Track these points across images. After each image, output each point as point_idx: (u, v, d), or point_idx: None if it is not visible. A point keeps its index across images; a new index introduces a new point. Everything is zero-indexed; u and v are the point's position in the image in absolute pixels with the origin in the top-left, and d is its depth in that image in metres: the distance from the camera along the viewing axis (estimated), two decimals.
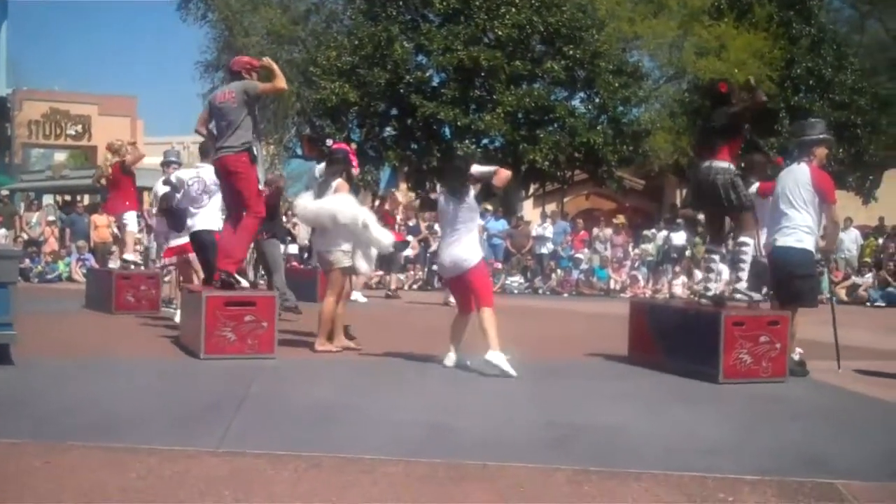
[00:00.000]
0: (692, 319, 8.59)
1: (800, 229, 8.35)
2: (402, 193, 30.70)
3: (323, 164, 9.82)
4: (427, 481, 4.70)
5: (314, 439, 5.46)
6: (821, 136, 8.71)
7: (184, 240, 11.85)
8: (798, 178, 8.47)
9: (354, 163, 10.00)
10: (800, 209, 8.37)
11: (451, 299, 16.18)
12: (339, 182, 9.44)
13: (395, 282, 19.49)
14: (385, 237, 9.51)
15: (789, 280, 8.45)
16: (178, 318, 11.68)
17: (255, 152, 8.97)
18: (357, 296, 17.07)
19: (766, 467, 5.09)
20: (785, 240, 8.41)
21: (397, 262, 18.21)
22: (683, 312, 9.18)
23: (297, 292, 13.70)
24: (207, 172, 10.85)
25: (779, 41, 29.63)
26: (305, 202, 9.58)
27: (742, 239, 8.58)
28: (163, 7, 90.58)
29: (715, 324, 7.99)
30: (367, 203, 17.62)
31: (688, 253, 22.90)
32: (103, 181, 14.00)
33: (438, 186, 8.75)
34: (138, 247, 14.88)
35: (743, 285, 8.61)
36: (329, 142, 10.26)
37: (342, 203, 9.21)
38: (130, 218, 13.94)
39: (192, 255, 11.72)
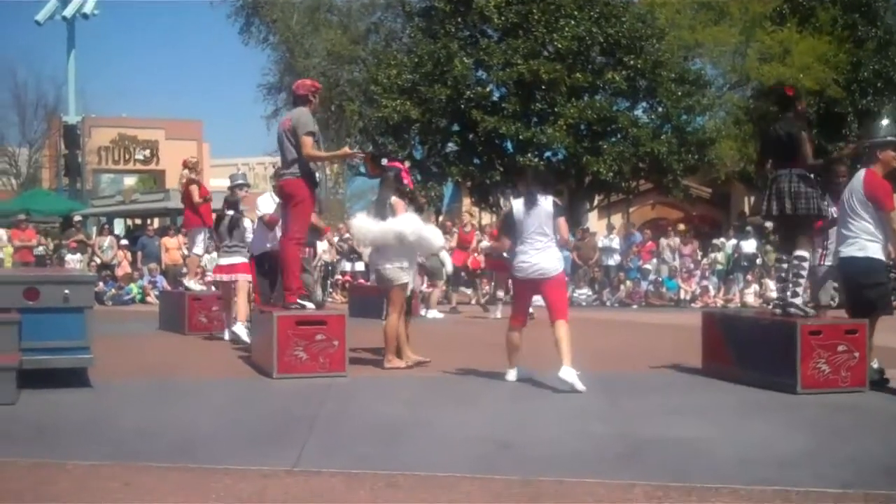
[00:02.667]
0: (767, 329, 8.44)
1: (860, 237, 8.09)
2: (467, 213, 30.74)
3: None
4: (504, 499, 4.67)
5: (388, 457, 5.47)
6: (886, 139, 8.46)
7: (234, 260, 12.06)
8: (854, 184, 8.26)
9: (407, 180, 10.00)
10: (857, 217, 8.11)
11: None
12: (394, 200, 9.49)
13: (454, 298, 19.57)
14: (436, 238, 9.66)
15: (858, 290, 8.22)
16: (226, 336, 11.92)
17: (317, 178, 9.06)
18: (434, 313, 17.13)
19: (849, 480, 4.97)
20: (847, 250, 8.15)
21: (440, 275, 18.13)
22: (758, 322, 9.02)
23: (364, 309, 13.80)
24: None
25: (844, 44, 29.13)
26: (364, 223, 9.58)
27: (800, 253, 8.41)
28: (225, 31, 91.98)
29: (791, 333, 7.85)
30: (431, 220, 17.69)
31: (758, 261, 22.57)
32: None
33: (511, 198, 8.65)
34: (207, 276, 15.13)
35: (799, 300, 8.43)
36: (384, 161, 10.30)
37: (406, 222, 9.27)
38: (197, 238, 14.20)
39: (239, 277, 11.99)
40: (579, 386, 7.81)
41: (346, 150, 9.67)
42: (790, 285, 8.52)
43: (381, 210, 9.48)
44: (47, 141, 44.63)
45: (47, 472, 5.01)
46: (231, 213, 12.24)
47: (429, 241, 9.62)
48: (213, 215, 13.66)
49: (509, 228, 8.58)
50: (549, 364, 8.12)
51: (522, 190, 8.65)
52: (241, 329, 11.55)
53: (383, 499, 4.64)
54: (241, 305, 11.85)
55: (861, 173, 8.27)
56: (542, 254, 8.28)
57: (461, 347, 11.97)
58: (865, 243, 8.11)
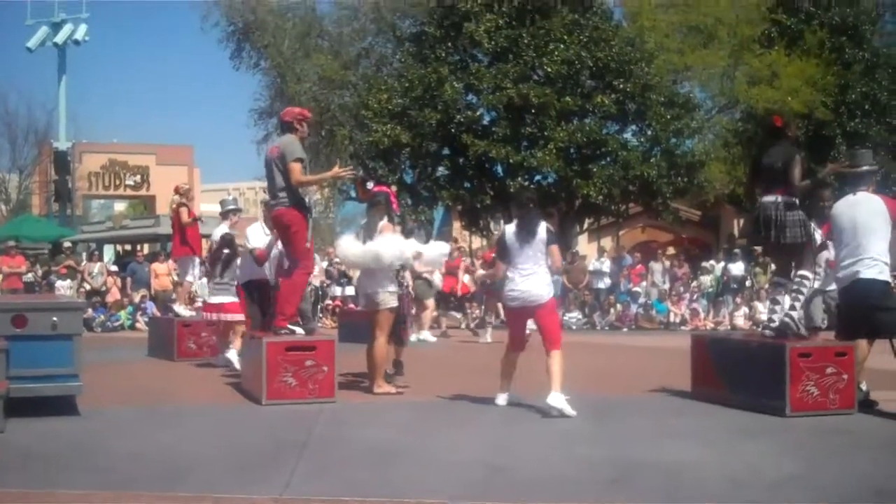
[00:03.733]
0: (756, 352, 8.45)
1: (880, 261, 8.16)
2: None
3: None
4: None
5: (377, 483, 5.46)
6: (874, 166, 8.63)
7: (223, 299, 12.05)
8: (874, 208, 8.29)
9: (395, 204, 10.04)
10: (879, 239, 8.19)
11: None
12: (383, 223, 9.51)
13: (444, 322, 19.51)
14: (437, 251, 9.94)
15: (871, 313, 8.20)
16: (226, 354, 11.82)
17: (308, 204, 9.04)
18: (426, 335, 17.07)
19: (838, 501, 4.98)
20: (868, 272, 8.16)
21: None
22: (747, 345, 9.03)
23: (354, 334, 13.79)
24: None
25: (831, 67, 29.32)
26: (347, 245, 9.63)
27: (803, 272, 8.46)
28: (216, 56, 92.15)
29: (780, 356, 7.86)
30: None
31: (748, 283, 22.63)
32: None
33: (503, 222, 8.66)
34: (196, 301, 15.10)
35: (796, 315, 8.44)
36: (370, 184, 10.35)
37: (386, 244, 9.28)
38: (188, 266, 14.19)
39: (230, 315, 11.97)
40: (568, 411, 7.81)
41: (336, 169, 9.63)
42: (790, 300, 8.55)
43: (370, 234, 9.51)
44: (37, 167, 44.61)
45: (36, 501, 4.99)
46: (227, 251, 12.25)
47: (412, 259, 9.65)
48: (203, 241, 13.68)
49: (503, 254, 8.60)
50: (540, 388, 8.12)
51: (515, 215, 8.68)
52: (233, 355, 11.55)
53: None
54: (237, 340, 11.83)
55: (876, 197, 8.35)
56: (532, 280, 8.29)
57: (451, 372, 11.96)
58: (885, 267, 8.19)
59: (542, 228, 8.41)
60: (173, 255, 16.07)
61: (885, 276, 8.22)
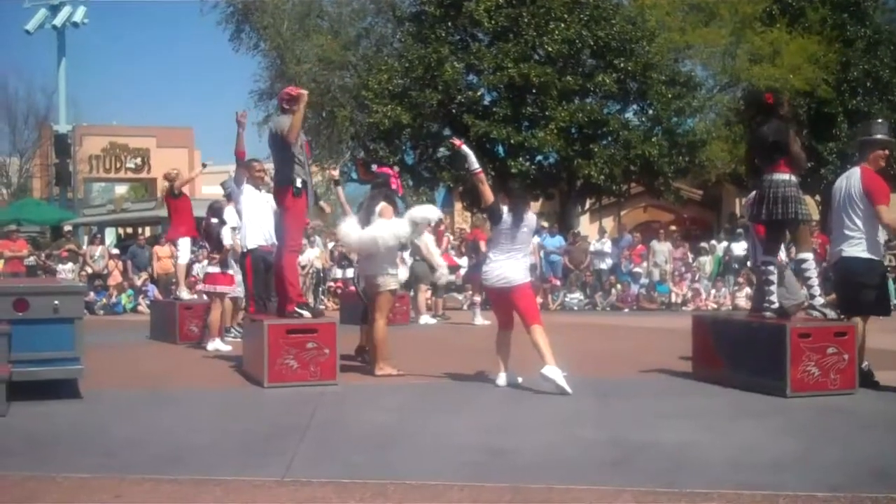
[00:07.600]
0: (757, 332, 8.45)
1: (865, 238, 8.14)
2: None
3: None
4: None
5: (379, 466, 5.47)
6: (876, 137, 8.50)
7: (214, 269, 12.08)
8: (853, 183, 8.29)
9: (394, 185, 9.99)
10: (860, 216, 8.18)
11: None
12: (382, 206, 9.50)
13: (440, 304, 19.35)
14: (430, 212, 9.97)
15: (858, 290, 8.24)
16: (209, 347, 11.81)
17: (300, 185, 9.03)
18: (426, 318, 17.07)
19: (839, 483, 4.99)
20: (851, 250, 8.20)
21: (441, 285, 18.03)
22: (748, 325, 9.02)
23: (356, 316, 13.80)
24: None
25: (833, 44, 29.18)
26: (347, 230, 9.64)
27: (802, 256, 8.45)
28: (216, 38, 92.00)
29: (781, 336, 7.86)
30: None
31: (749, 263, 22.57)
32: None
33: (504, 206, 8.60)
34: (198, 284, 15.08)
35: (819, 301, 8.40)
36: (374, 166, 10.35)
37: (381, 228, 9.28)
38: (182, 246, 14.17)
39: (211, 286, 12.04)
40: (562, 382, 7.89)
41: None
42: (807, 290, 8.57)
43: (368, 217, 9.51)
44: (38, 150, 44.58)
45: (38, 486, 5.01)
46: (215, 221, 12.20)
47: (412, 241, 9.72)
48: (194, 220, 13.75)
49: (496, 222, 8.62)
50: (539, 369, 8.12)
51: (510, 203, 8.69)
52: (217, 344, 11.61)
53: None
54: (213, 320, 11.85)
55: (857, 171, 8.31)
56: (509, 263, 8.46)
57: (451, 353, 11.95)
58: (869, 244, 8.15)
59: (533, 219, 8.68)
60: (168, 237, 16.07)
61: (870, 252, 8.19)
